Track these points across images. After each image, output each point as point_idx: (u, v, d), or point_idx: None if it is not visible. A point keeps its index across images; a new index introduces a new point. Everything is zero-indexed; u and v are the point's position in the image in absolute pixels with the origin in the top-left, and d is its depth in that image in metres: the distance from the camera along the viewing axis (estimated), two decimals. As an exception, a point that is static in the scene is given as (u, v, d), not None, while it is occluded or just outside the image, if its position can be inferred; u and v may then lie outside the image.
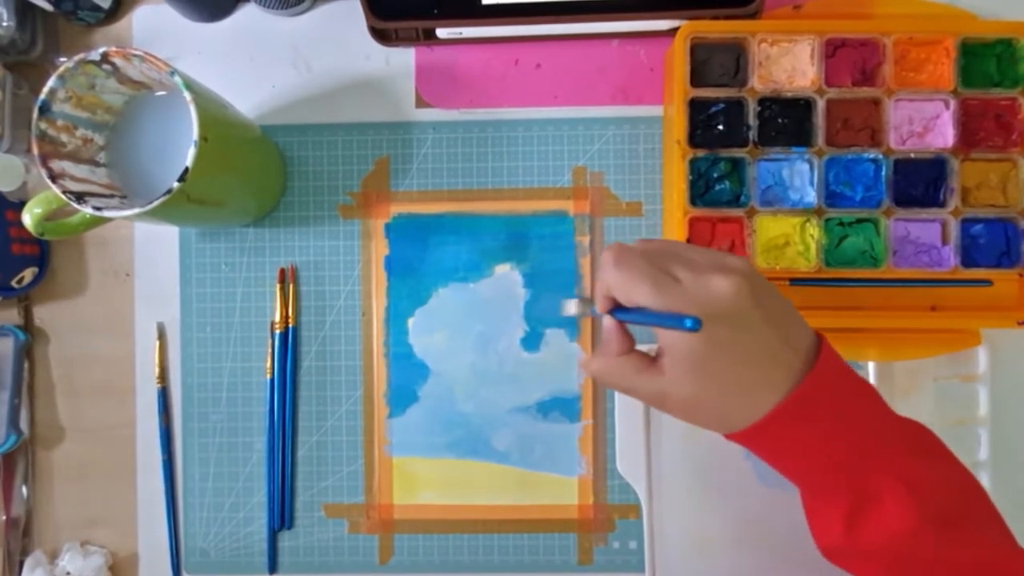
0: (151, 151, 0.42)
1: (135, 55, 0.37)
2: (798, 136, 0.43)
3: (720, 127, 0.44)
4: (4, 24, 0.46)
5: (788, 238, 0.43)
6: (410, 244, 0.49)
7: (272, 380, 0.49)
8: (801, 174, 0.44)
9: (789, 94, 0.43)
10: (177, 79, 0.37)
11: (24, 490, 0.50)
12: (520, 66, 0.49)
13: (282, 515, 0.49)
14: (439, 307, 0.49)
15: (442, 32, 0.47)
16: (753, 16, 0.44)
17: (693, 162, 0.43)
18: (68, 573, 0.48)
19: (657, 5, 0.45)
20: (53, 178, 0.38)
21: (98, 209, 0.37)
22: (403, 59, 0.49)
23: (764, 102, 0.43)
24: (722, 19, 0.44)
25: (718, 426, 0.32)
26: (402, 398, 0.49)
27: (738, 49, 0.44)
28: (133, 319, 0.50)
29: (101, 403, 0.50)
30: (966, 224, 0.43)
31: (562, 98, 0.49)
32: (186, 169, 0.36)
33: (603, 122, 0.49)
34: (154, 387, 0.49)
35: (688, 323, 0.28)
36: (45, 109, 0.38)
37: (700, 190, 0.44)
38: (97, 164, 0.41)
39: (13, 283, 0.48)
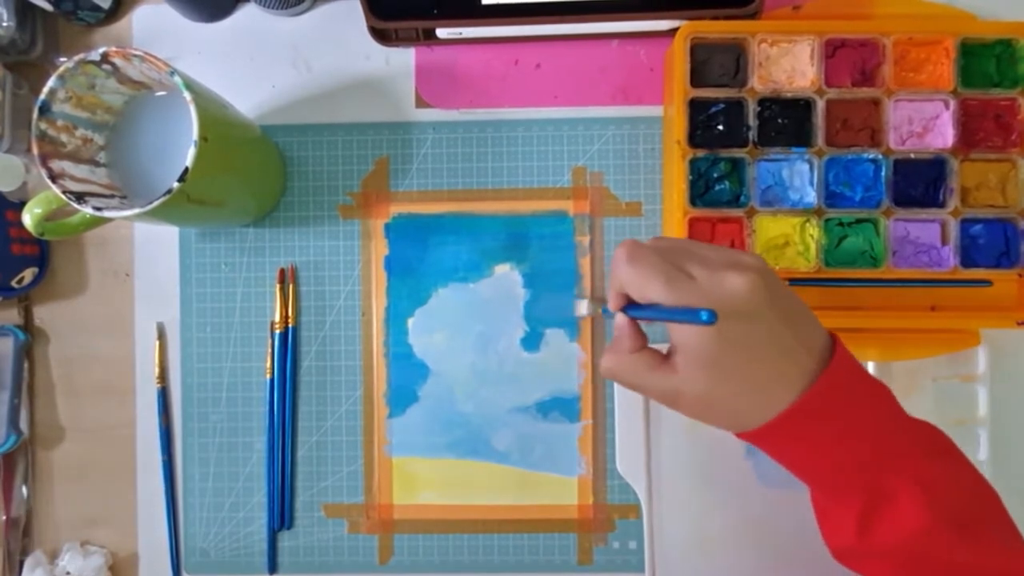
0: (151, 151, 0.42)
1: (135, 55, 0.37)
2: (798, 136, 0.43)
3: (720, 127, 0.44)
4: (4, 24, 0.46)
5: (788, 238, 0.43)
6: (410, 244, 0.49)
7: (272, 380, 0.49)
8: (801, 174, 0.44)
9: (789, 94, 0.43)
10: (177, 79, 0.37)
11: (24, 490, 0.50)
12: (520, 66, 0.49)
13: (282, 515, 0.49)
14: (439, 307, 0.49)
15: (442, 32, 0.47)
16: (753, 16, 0.44)
17: (693, 162, 0.43)
18: (68, 573, 0.48)
19: (657, 5, 0.45)
20: (53, 178, 0.38)
21: (98, 209, 0.37)
22: (403, 59, 0.49)
23: (764, 102, 0.43)
24: (722, 19, 0.44)
25: (730, 425, 0.32)
26: (402, 398, 0.49)
27: (738, 49, 0.44)
28: (133, 319, 0.50)
29: (101, 403, 0.50)
30: (966, 224, 0.43)
31: (562, 98, 0.49)
32: (186, 169, 0.36)
33: (603, 122, 0.49)
34: (154, 387, 0.49)
35: (704, 316, 0.27)
36: (45, 109, 0.38)
37: (700, 190, 0.44)
38: (97, 164, 0.41)
39: (13, 283, 0.48)
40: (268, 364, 0.49)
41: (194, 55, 0.50)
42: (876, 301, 0.44)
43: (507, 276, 0.49)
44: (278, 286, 0.49)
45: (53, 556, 0.49)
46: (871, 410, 0.32)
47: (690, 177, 0.43)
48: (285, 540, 0.49)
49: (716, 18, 0.44)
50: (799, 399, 0.30)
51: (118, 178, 0.42)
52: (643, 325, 0.34)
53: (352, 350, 0.49)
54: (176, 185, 0.36)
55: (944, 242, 0.43)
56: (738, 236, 0.43)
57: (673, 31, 0.45)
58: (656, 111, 0.49)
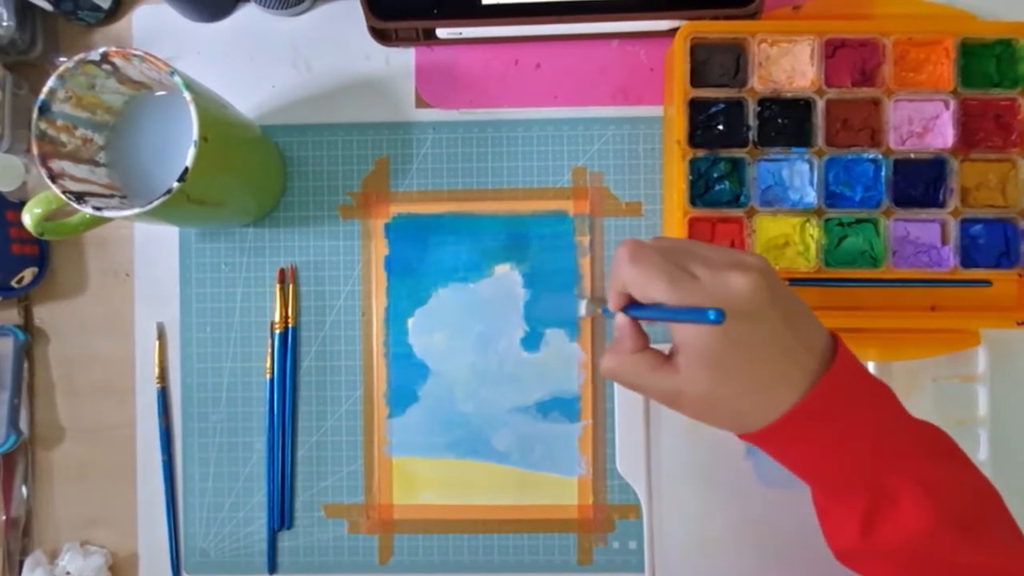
0: (151, 151, 0.42)
1: (135, 55, 0.37)
2: (798, 136, 0.43)
3: (720, 127, 0.44)
4: (4, 24, 0.46)
5: (788, 238, 0.43)
6: (410, 244, 0.49)
7: (272, 380, 0.49)
8: (801, 174, 0.44)
9: (789, 94, 0.43)
10: (177, 79, 0.37)
11: (24, 490, 0.50)
12: (520, 66, 0.49)
13: (282, 515, 0.49)
14: (439, 307, 0.49)
15: (442, 32, 0.47)
16: (753, 16, 0.44)
17: (693, 162, 0.43)
18: (68, 573, 0.48)
19: (657, 5, 0.45)
20: (53, 178, 0.38)
21: (98, 209, 0.37)
22: (403, 59, 0.49)
23: (764, 102, 0.43)
24: (722, 19, 0.44)
25: (733, 425, 0.32)
26: (402, 398, 0.49)
27: (738, 49, 0.44)
28: (133, 319, 0.50)
29: (101, 403, 0.50)
30: (965, 224, 0.43)
31: (562, 98, 0.49)
32: (186, 169, 0.36)
33: (603, 122, 0.49)
34: (154, 387, 0.49)
35: (712, 315, 0.27)
36: (45, 109, 0.38)
37: (700, 190, 0.44)
38: (97, 164, 0.41)
39: (13, 283, 0.48)
40: (268, 364, 0.49)
41: (194, 55, 0.50)
42: (876, 301, 0.44)
43: (507, 276, 0.49)
44: (278, 286, 0.49)
45: (53, 556, 0.49)
46: (873, 410, 0.32)
47: (690, 177, 0.43)
48: (285, 540, 0.49)
49: (716, 18, 0.44)
50: (802, 399, 0.30)
51: (118, 178, 0.42)
52: (643, 325, 0.34)
53: (352, 350, 0.49)
54: (176, 185, 0.36)
55: (944, 242, 0.43)
56: (738, 236, 0.43)
57: (673, 31, 0.45)
58: (656, 111, 0.49)
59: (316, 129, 0.50)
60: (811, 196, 0.43)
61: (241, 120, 0.44)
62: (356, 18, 0.47)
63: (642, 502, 0.47)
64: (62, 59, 0.49)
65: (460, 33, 0.47)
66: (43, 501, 0.50)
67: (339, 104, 0.50)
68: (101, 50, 0.38)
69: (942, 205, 0.43)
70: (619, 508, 0.48)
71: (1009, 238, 0.43)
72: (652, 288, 0.30)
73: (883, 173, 0.43)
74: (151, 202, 0.36)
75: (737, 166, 0.44)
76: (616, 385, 0.48)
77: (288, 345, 0.49)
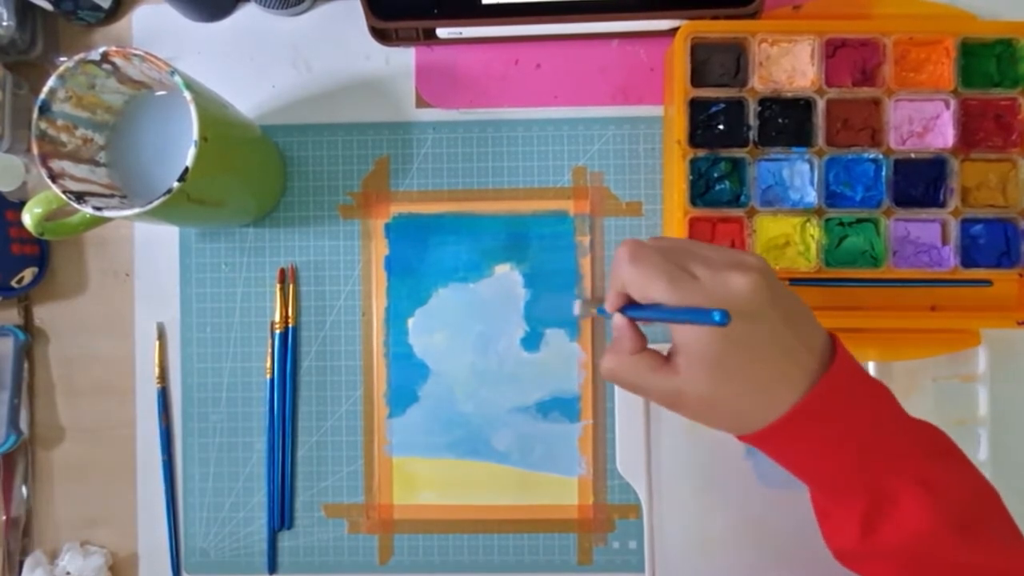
0: (151, 151, 0.42)
1: (135, 55, 0.37)
2: (798, 136, 0.43)
3: (720, 127, 0.44)
4: (4, 24, 0.46)
5: (788, 238, 0.43)
6: (410, 244, 0.49)
7: (272, 380, 0.49)
8: (801, 174, 0.44)
9: (789, 94, 0.43)
10: (177, 79, 0.37)
11: (24, 490, 0.50)
12: (520, 66, 0.49)
13: (282, 515, 0.49)
14: (439, 307, 0.49)
15: (442, 32, 0.47)
16: (753, 16, 0.44)
17: (693, 162, 0.43)
18: (68, 573, 0.48)
19: (657, 5, 0.45)
20: (53, 178, 0.38)
21: (98, 209, 0.37)
22: (403, 59, 0.49)
23: (764, 102, 0.43)
24: (722, 19, 0.44)
25: (733, 427, 0.32)
26: (402, 398, 0.49)
27: (738, 49, 0.44)
28: (133, 319, 0.50)
29: (101, 403, 0.50)
30: (966, 224, 0.43)
31: (562, 98, 0.49)
32: (186, 169, 0.36)
33: (603, 122, 0.49)
34: (154, 387, 0.49)
35: (716, 316, 0.27)
36: (45, 109, 0.38)
37: (700, 190, 0.44)
38: (97, 164, 0.41)
39: (13, 283, 0.48)
40: (268, 364, 0.49)
41: (194, 55, 0.50)
42: (876, 301, 0.44)
43: (507, 276, 0.49)
44: (278, 286, 0.49)
45: (53, 556, 0.49)
46: (872, 410, 0.32)
47: (690, 177, 0.43)
48: (285, 540, 0.49)
49: (716, 18, 0.44)
50: (802, 400, 0.30)
51: (118, 178, 0.42)
52: (641, 326, 0.34)
53: (352, 350, 0.49)
54: (176, 185, 0.36)
55: (944, 242, 0.43)
56: (738, 236, 0.43)
57: (673, 31, 0.45)
58: (656, 111, 0.49)
59: (316, 129, 0.50)
60: (811, 196, 0.43)
61: (241, 120, 0.44)
62: (356, 18, 0.47)
63: (642, 502, 0.47)
64: (62, 59, 0.49)
65: (460, 33, 0.47)
66: (43, 501, 0.50)
67: (339, 104, 0.50)
68: (101, 50, 0.38)
69: (942, 205, 0.43)
70: (619, 508, 0.48)
71: (1009, 238, 0.43)
72: (652, 288, 0.30)
73: (883, 173, 0.43)
74: (151, 202, 0.36)
75: (737, 166, 0.44)
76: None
77: (288, 345, 0.49)
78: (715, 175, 0.44)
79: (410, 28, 0.47)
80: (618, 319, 0.33)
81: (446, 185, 0.49)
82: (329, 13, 0.50)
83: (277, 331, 0.49)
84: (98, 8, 0.48)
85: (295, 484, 0.49)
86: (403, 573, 0.49)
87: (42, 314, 0.50)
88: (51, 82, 0.38)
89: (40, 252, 0.49)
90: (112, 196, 0.40)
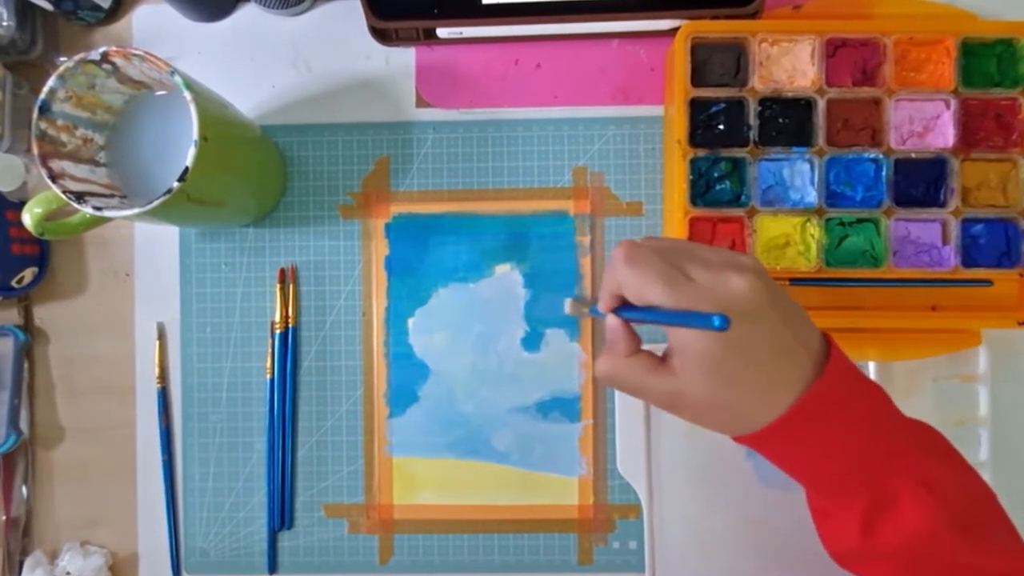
0: (151, 151, 0.42)
1: (135, 55, 0.37)
2: (799, 136, 0.43)
3: (721, 127, 0.44)
4: (4, 24, 0.46)
5: (788, 238, 0.43)
6: (410, 244, 0.49)
7: (272, 380, 0.49)
8: (802, 174, 0.44)
9: (790, 94, 0.43)
10: (177, 79, 0.37)
11: (24, 490, 0.50)
12: (520, 66, 0.49)
13: (282, 515, 0.49)
14: (439, 307, 0.49)
15: (442, 32, 0.47)
16: (753, 16, 0.44)
17: (693, 162, 0.43)
18: (68, 573, 0.48)
19: (657, 5, 0.45)
20: (53, 178, 0.38)
21: (98, 209, 0.37)
22: (403, 59, 0.49)
23: (765, 102, 0.43)
24: (722, 19, 0.44)
25: (730, 428, 0.32)
26: (402, 398, 0.49)
27: (738, 49, 0.44)
28: (133, 319, 0.50)
29: (101, 403, 0.50)
30: (966, 224, 0.43)
31: (562, 98, 0.49)
32: (186, 169, 0.36)
33: (603, 122, 0.49)
34: (154, 387, 0.49)
35: (716, 321, 0.26)
36: (45, 109, 0.38)
37: (700, 190, 0.44)
38: (97, 164, 0.41)
39: (13, 283, 0.48)
40: (268, 364, 0.49)
41: (194, 55, 0.50)
42: (877, 301, 0.44)
43: (507, 276, 0.49)
44: (278, 286, 0.49)
45: (53, 556, 0.49)
46: (869, 409, 0.32)
47: (691, 177, 0.43)
48: (285, 540, 0.49)
49: (716, 18, 0.44)
50: (799, 400, 0.30)
51: (118, 178, 0.42)
52: (634, 325, 0.33)
53: (352, 350, 0.49)
54: (176, 185, 0.36)
55: (945, 242, 0.43)
56: (739, 236, 0.43)
57: (673, 31, 0.45)
58: (656, 111, 0.49)
59: (316, 129, 0.50)
60: (812, 196, 0.43)
61: (241, 120, 0.44)
62: (356, 18, 0.47)
63: (642, 502, 0.47)
64: (62, 59, 0.49)
65: (460, 33, 0.47)
66: (43, 501, 0.50)
67: (339, 104, 0.50)
68: (101, 50, 0.38)
69: (943, 205, 0.43)
70: (619, 508, 0.48)
71: (1010, 238, 0.43)
72: (649, 291, 0.30)
73: (884, 173, 0.43)
74: (151, 202, 0.36)
75: (738, 166, 0.44)
76: (616, 385, 0.47)
77: (288, 345, 0.49)
78: (715, 175, 0.44)
79: (410, 28, 0.47)
80: (612, 321, 0.33)
81: (446, 185, 0.49)
82: (329, 13, 0.50)
83: (277, 331, 0.49)
84: (98, 8, 0.48)
85: (295, 484, 0.49)
86: (403, 573, 0.49)
87: (42, 314, 0.50)
88: (51, 82, 0.38)
89: (40, 252, 0.49)
90: (112, 196, 0.40)
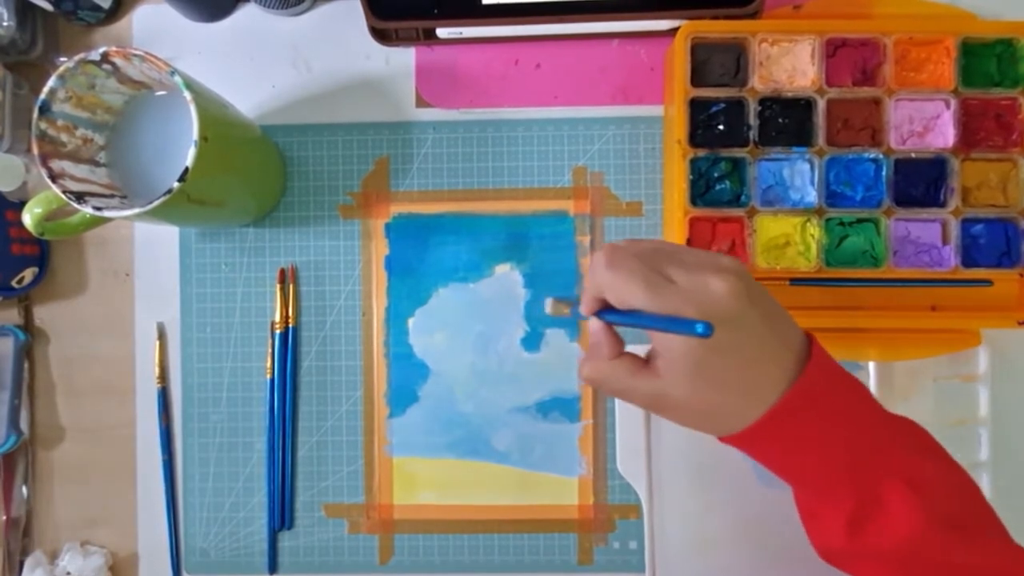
0: (151, 151, 0.42)
1: (135, 55, 0.37)
2: (799, 136, 0.43)
3: (721, 127, 0.44)
4: (4, 24, 0.46)
5: (788, 238, 0.43)
6: (410, 244, 0.49)
7: (272, 380, 0.49)
8: (802, 174, 0.44)
9: (789, 94, 0.43)
10: (177, 79, 0.37)
11: (24, 490, 0.50)
12: (520, 66, 0.49)
13: (282, 515, 0.49)
14: (439, 307, 0.49)
15: (442, 32, 0.47)
16: (753, 16, 0.44)
17: (693, 162, 0.43)
18: (68, 573, 0.48)
19: (657, 5, 0.45)
20: (53, 178, 0.38)
21: (98, 209, 0.37)
22: (403, 59, 0.49)
23: (764, 102, 0.43)
24: (722, 19, 0.44)
25: (715, 428, 0.32)
26: (402, 398, 0.49)
27: (738, 49, 0.44)
28: (133, 319, 0.50)
29: (101, 403, 0.50)
30: (966, 224, 0.43)
31: (562, 98, 0.49)
32: (186, 169, 0.36)
33: (603, 122, 0.49)
34: (154, 387, 0.49)
35: (700, 328, 0.26)
36: (45, 109, 0.38)
37: (700, 190, 0.44)
38: (97, 164, 0.41)
39: (13, 283, 0.48)
40: (268, 364, 0.49)
41: (194, 55, 0.50)
42: (877, 301, 0.44)
43: (507, 276, 0.49)
44: (278, 286, 0.49)
45: (53, 556, 0.49)
46: (851, 406, 0.32)
47: (691, 177, 0.43)
48: (285, 540, 0.49)
49: (716, 18, 0.44)
50: (781, 398, 0.30)
51: (118, 178, 0.42)
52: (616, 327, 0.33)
53: (352, 350, 0.49)
54: (176, 185, 0.36)
55: (945, 242, 0.43)
56: (739, 236, 0.43)
57: (673, 31, 0.45)
58: (656, 111, 0.49)
59: (316, 129, 0.50)
60: (812, 196, 0.43)
61: (241, 120, 0.44)
62: (356, 18, 0.47)
63: (642, 502, 0.47)
64: (62, 59, 0.49)
65: (460, 33, 0.47)
66: (43, 501, 0.50)
67: (339, 104, 0.50)
68: (101, 50, 0.38)
69: (943, 205, 0.43)
70: (619, 508, 0.48)
71: (1010, 238, 0.43)
72: (630, 295, 0.30)
73: (884, 173, 0.43)
74: (151, 202, 0.36)
75: (738, 166, 0.44)
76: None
77: (288, 345, 0.49)
78: (715, 175, 0.44)
79: (410, 28, 0.47)
80: (595, 324, 0.33)
81: (446, 185, 0.49)
82: (329, 13, 0.50)
83: (277, 331, 0.49)
84: (98, 8, 0.48)
85: (295, 484, 0.49)
86: (403, 573, 0.49)
87: (42, 314, 0.50)
88: (51, 82, 0.38)
89: (40, 252, 0.49)
90: (112, 196, 0.40)
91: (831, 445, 0.31)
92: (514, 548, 0.48)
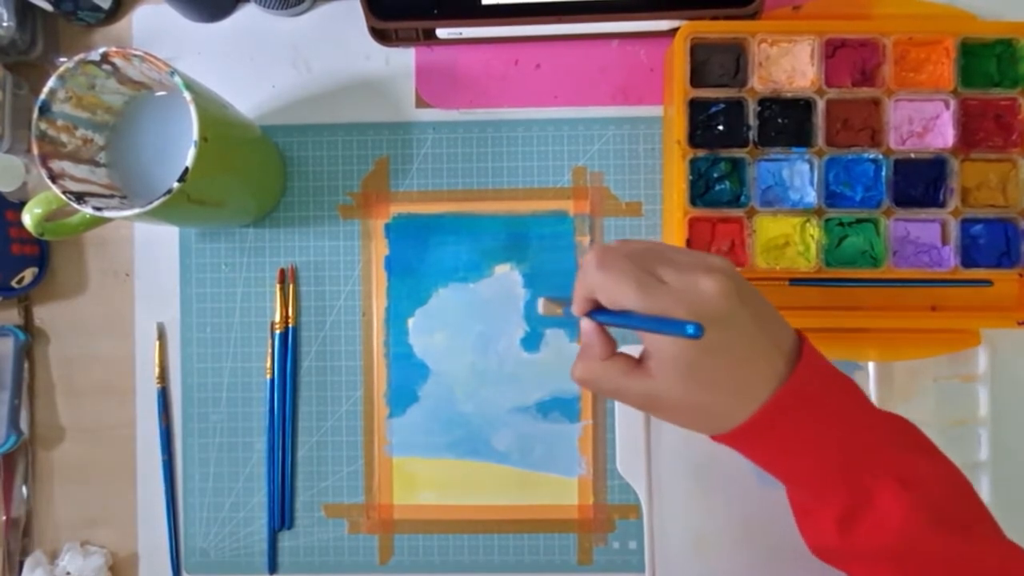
0: (151, 151, 0.42)
1: (135, 55, 0.37)
2: (798, 136, 0.43)
3: (720, 127, 0.44)
4: (4, 24, 0.46)
5: (788, 238, 0.43)
6: (410, 244, 0.49)
7: (272, 380, 0.49)
8: (801, 174, 0.44)
9: (789, 94, 0.43)
10: (177, 79, 0.37)
11: (24, 490, 0.50)
12: (520, 66, 0.49)
13: (282, 515, 0.49)
14: (439, 307, 0.49)
15: (442, 32, 0.47)
16: (753, 16, 0.44)
17: (693, 162, 0.43)
18: (68, 573, 0.48)
19: (657, 5, 0.45)
20: (53, 178, 0.38)
21: (98, 209, 0.37)
22: (403, 59, 0.49)
23: (764, 102, 0.43)
24: (722, 19, 0.44)
25: (707, 427, 0.32)
26: (402, 398, 0.49)
27: (738, 49, 0.44)
28: (133, 319, 0.50)
29: (101, 403, 0.50)
30: (966, 224, 0.43)
31: (562, 98, 0.49)
32: (186, 169, 0.36)
33: (603, 122, 0.49)
34: (154, 387, 0.49)
35: (690, 329, 0.26)
36: (45, 109, 0.38)
37: (700, 190, 0.44)
38: (97, 164, 0.41)
39: (13, 283, 0.48)
40: (268, 364, 0.49)
41: (194, 55, 0.50)
42: (876, 301, 0.44)
43: (507, 276, 0.49)
44: (278, 286, 0.49)
45: (53, 556, 0.49)
46: (842, 404, 0.32)
47: (690, 177, 0.43)
48: (285, 540, 0.49)
49: (716, 18, 0.44)
50: (772, 397, 0.30)
51: (118, 178, 0.42)
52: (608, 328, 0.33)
53: (352, 350, 0.49)
54: (176, 185, 0.36)
55: (944, 242, 0.43)
56: (738, 236, 0.43)
57: (673, 31, 0.45)
58: (656, 111, 0.49)
59: (316, 129, 0.50)
60: (811, 196, 0.43)
61: (241, 120, 0.44)
62: (356, 18, 0.47)
63: (642, 502, 0.47)
64: (62, 59, 0.49)
65: (460, 33, 0.47)
66: (43, 501, 0.50)
67: (339, 104, 0.50)
68: (101, 50, 0.38)
69: (942, 205, 0.43)
70: (619, 508, 0.48)
71: (1010, 238, 0.43)
72: (621, 295, 0.30)
73: (883, 173, 0.43)
74: (151, 202, 0.36)
75: (737, 166, 0.44)
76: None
77: (288, 345, 0.49)
78: (715, 175, 0.44)
79: (410, 28, 0.47)
80: (586, 324, 0.33)
81: (446, 185, 0.49)
82: (329, 13, 0.50)
83: (277, 331, 0.49)
84: (98, 8, 0.48)
85: (295, 484, 0.49)
86: (403, 573, 0.49)
87: (42, 314, 0.50)
88: (51, 82, 0.38)
89: (40, 252, 0.49)
90: (112, 196, 0.40)
91: (822, 443, 0.31)
92: (514, 548, 0.48)
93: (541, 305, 0.36)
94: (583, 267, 0.32)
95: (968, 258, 0.43)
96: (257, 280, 0.49)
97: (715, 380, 0.30)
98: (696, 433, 0.33)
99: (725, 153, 0.43)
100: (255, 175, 0.46)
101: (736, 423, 0.31)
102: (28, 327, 0.50)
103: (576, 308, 0.33)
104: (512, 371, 0.48)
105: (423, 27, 0.46)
